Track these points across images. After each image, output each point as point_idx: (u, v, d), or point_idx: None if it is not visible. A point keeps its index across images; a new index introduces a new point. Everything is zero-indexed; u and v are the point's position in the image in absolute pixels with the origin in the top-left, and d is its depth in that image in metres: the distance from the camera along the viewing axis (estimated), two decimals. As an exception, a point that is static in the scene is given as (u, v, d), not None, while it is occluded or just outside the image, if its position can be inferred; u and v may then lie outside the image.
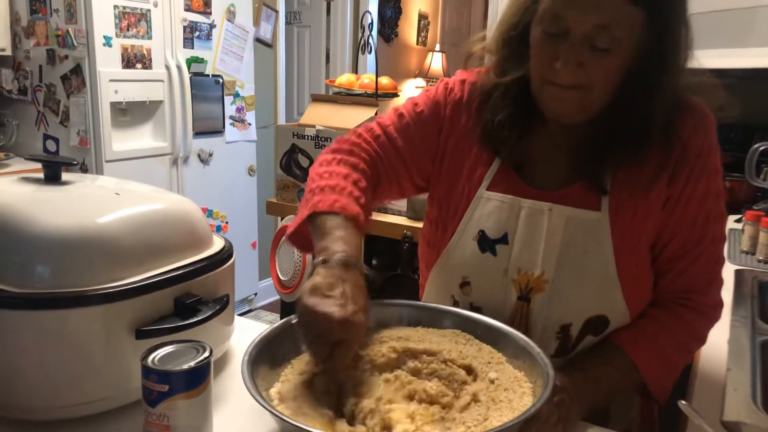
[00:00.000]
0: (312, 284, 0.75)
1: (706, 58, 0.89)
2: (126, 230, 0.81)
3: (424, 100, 1.03)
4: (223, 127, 3.37)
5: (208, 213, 3.36)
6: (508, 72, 0.93)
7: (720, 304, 0.97)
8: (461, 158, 0.99)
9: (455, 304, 0.98)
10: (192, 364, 0.68)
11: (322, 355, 0.73)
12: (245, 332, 0.93)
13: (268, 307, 3.98)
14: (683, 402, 0.77)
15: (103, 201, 0.87)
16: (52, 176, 0.90)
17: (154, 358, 0.70)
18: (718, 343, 1.13)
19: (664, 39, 0.83)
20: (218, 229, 3.44)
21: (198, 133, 3.21)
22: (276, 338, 0.81)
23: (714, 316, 0.97)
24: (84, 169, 2.82)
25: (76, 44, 2.70)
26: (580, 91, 0.84)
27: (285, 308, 2.49)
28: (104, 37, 2.70)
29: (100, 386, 0.77)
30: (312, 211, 0.87)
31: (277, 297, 3.04)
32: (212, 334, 0.86)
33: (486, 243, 0.94)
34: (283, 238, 2.20)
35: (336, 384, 0.77)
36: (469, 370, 0.79)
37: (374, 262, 2.65)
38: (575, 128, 0.91)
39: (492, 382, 0.76)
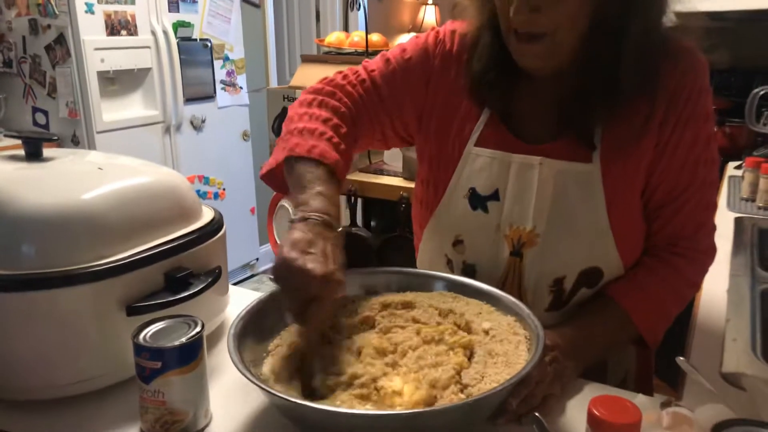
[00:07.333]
0: (292, 239, 0.72)
1: (702, 0, 0.85)
2: (111, 205, 0.79)
3: (413, 47, 1.00)
4: (214, 92, 3.31)
5: (205, 180, 3.34)
6: (490, 22, 0.90)
7: (711, 250, 0.96)
8: (450, 115, 0.97)
9: (449, 262, 0.97)
10: (183, 339, 0.68)
11: (296, 311, 0.72)
12: (242, 303, 0.92)
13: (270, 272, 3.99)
14: (681, 358, 0.76)
15: (87, 177, 0.85)
16: (34, 153, 0.88)
17: (145, 335, 0.69)
18: (717, 293, 1.13)
19: None
20: (216, 196, 3.42)
21: (189, 100, 3.15)
22: (262, 311, 0.80)
23: (705, 261, 0.96)
24: (76, 142, 2.78)
25: (57, 12, 2.63)
26: (545, 40, 0.81)
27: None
28: (86, 4, 2.62)
29: (94, 364, 0.76)
30: (289, 155, 0.85)
31: (278, 261, 3.04)
32: (205, 308, 0.86)
33: (477, 200, 0.93)
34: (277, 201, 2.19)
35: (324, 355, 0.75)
36: (461, 320, 0.80)
37: (373, 224, 2.64)
38: (560, 81, 0.89)
39: (486, 332, 0.75)
